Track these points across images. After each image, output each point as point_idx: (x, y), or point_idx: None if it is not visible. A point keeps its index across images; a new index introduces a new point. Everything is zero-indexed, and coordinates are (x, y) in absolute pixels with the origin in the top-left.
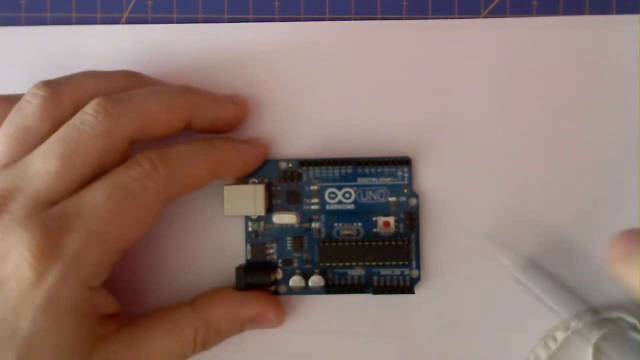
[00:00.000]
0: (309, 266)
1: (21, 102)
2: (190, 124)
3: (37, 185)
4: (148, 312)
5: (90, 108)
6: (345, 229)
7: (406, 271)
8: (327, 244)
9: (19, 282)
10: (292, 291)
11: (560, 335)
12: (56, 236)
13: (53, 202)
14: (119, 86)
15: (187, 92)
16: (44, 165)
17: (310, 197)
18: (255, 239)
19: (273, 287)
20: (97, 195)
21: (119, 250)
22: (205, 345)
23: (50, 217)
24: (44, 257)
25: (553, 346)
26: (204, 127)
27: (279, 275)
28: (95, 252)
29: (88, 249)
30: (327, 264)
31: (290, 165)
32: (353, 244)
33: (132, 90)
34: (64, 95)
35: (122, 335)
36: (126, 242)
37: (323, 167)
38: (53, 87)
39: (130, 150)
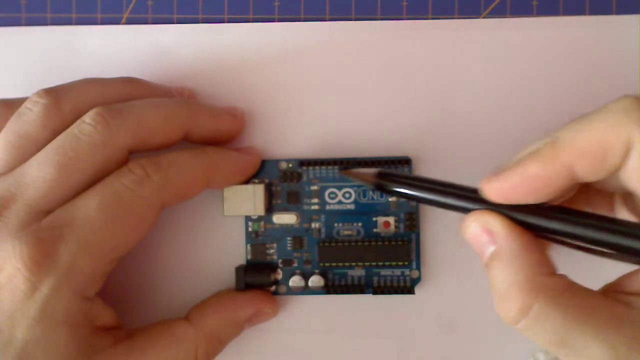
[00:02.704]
0: (309, 266)
1: (22, 109)
2: (188, 135)
3: (33, 194)
4: (144, 326)
5: (89, 117)
6: (345, 229)
7: (406, 271)
8: (327, 244)
9: (13, 293)
10: (292, 291)
11: None
12: (49, 247)
13: (48, 211)
14: (119, 93)
15: (186, 104)
16: (40, 173)
17: (310, 197)
18: (255, 239)
19: (273, 287)
20: (90, 204)
21: (113, 260)
22: (210, 357)
23: (43, 227)
24: (37, 268)
25: (555, 354)
26: (201, 138)
27: (279, 275)
28: (88, 262)
29: (81, 259)
30: (327, 264)
31: (290, 165)
32: (353, 244)
33: (132, 101)
34: (64, 103)
35: (119, 349)
36: (120, 250)
37: (323, 167)
38: (54, 95)
39: (127, 160)
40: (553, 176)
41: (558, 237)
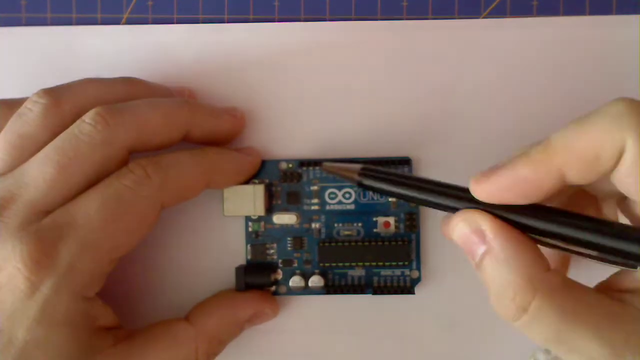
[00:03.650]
0: (309, 266)
1: (22, 109)
2: (188, 135)
3: (33, 194)
4: (144, 326)
5: (89, 117)
6: (345, 229)
7: (406, 272)
8: (327, 244)
9: (13, 293)
10: (292, 291)
11: None
12: (50, 247)
13: (48, 211)
14: (119, 93)
15: (186, 104)
16: (40, 173)
17: (310, 198)
18: (255, 239)
19: (273, 288)
20: (91, 204)
21: (113, 260)
22: (210, 357)
23: (44, 227)
24: (38, 268)
25: (553, 351)
26: (201, 138)
27: (279, 275)
28: (89, 262)
29: (82, 259)
30: (327, 264)
31: (290, 165)
32: (353, 244)
33: (132, 101)
34: (64, 103)
35: (119, 350)
36: (120, 251)
37: None
38: (54, 95)
39: (127, 160)
40: (544, 179)
41: (545, 239)
